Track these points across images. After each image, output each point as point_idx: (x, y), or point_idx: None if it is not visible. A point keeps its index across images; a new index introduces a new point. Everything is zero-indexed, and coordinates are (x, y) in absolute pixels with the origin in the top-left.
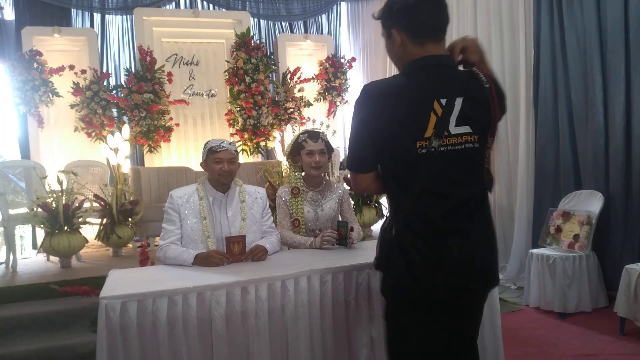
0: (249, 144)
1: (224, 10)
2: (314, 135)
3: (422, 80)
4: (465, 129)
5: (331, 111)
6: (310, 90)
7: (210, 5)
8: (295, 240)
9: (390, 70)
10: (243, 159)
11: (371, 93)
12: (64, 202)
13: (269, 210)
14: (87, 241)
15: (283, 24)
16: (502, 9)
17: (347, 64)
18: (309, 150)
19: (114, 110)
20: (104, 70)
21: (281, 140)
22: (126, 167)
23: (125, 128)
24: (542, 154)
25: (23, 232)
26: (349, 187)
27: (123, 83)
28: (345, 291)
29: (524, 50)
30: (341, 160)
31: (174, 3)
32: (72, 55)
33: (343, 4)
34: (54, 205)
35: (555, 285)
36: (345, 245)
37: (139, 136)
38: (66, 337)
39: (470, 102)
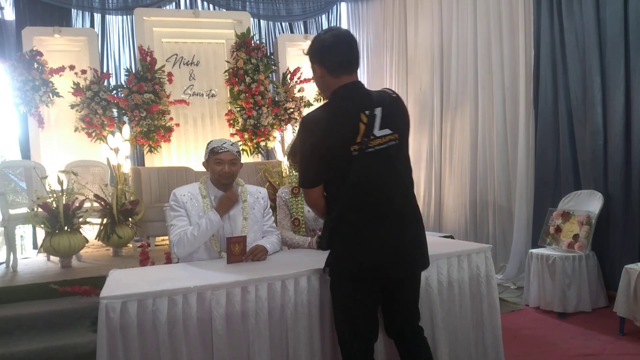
0: (249, 144)
1: (224, 10)
2: None
3: (347, 102)
4: (387, 131)
5: None
6: (310, 91)
7: (211, 6)
8: (294, 240)
9: (390, 70)
10: (243, 159)
11: (313, 123)
12: (64, 202)
13: (270, 210)
14: (87, 241)
15: (283, 24)
16: (502, 9)
17: None
18: None
19: (114, 110)
20: (104, 71)
21: (281, 140)
22: (126, 167)
23: (126, 128)
24: (541, 154)
25: (23, 232)
26: None
27: (123, 83)
28: None
29: (523, 50)
30: None
31: (174, 3)
32: (73, 56)
33: (343, 4)
34: (55, 205)
35: (555, 285)
36: None
37: (139, 136)
38: (66, 337)
39: (387, 110)
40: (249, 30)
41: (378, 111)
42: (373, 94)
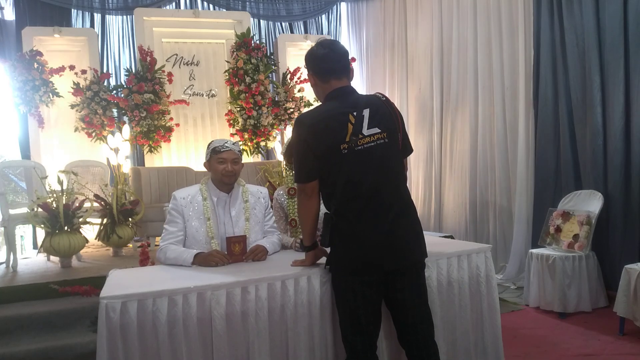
0: (249, 144)
1: (224, 10)
2: None
3: (338, 103)
4: (375, 130)
5: None
6: (310, 91)
7: (210, 6)
8: (284, 241)
9: (390, 70)
10: (243, 159)
11: (305, 121)
12: (64, 202)
13: (271, 210)
14: (87, 241)
15: (283, 24)
16: (501, 9)
17: None
18: None
19: (114, 110)
20: (104, 71)
21: (281, 140)
22: (126, 167)
23: (126, 128)
24: (541, 154)
25: (23, 232)
26: None
27: (123, 83)
28: None
29: (523, 50)
30: None
31: (174, 3)
32: (73, 56)
33: (343, 4)
34: (55, 205)
35: (555, 285)
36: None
37: (139, 136)
38: (66, 337)
39: (375, 111)
40: (249, 30)
41: (366, 112)
42: (362, 97)
